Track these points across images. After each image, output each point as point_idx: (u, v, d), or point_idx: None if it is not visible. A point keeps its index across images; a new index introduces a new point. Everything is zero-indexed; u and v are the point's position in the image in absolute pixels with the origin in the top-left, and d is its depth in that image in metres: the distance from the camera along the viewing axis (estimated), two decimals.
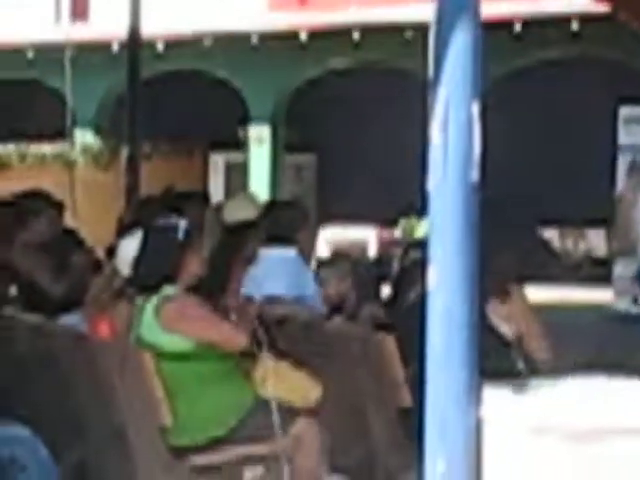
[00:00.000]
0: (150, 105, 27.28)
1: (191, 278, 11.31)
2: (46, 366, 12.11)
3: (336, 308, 13.46)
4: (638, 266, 10.82)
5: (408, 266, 13.14)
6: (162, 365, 10.69)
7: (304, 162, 41.71)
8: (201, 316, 11.01)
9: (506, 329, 10.64)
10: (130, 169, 23.67)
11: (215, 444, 10.75)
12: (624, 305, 14.87)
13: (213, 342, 10.94)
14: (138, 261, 11.55)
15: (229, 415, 10.87)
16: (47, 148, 33.94)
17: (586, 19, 32.10)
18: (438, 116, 7.02)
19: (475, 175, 7.29)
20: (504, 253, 10.67)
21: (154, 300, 10.77)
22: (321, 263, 15.79)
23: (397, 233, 26.31)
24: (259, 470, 11.04)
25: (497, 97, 28.64)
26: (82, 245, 15.19)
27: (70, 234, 15.77)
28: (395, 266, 14.87)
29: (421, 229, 16.52)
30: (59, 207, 16.36)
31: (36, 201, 15.87)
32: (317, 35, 39.88)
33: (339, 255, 17.84)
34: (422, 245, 10.28)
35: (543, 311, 14.09)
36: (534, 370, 10.51)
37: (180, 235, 11.65)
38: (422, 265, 8.28)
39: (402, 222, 25.01)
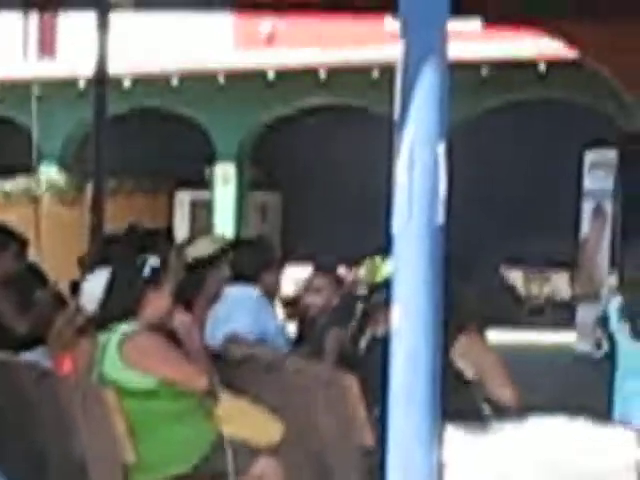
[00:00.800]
0: (116, 142, 27.31)
1: (156, 315, 11.28)
2: (10, 402, 12.22)
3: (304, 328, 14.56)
4: (601, 310, 11.16)
5: (370, 307, 12.81)
6: (125, 402, 10.70)
7: (269, 200, 42.39)
8: (163, 354, 11.05)
9: (465, 367, 10.48)
10: (95, 206, 23.53)
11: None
12: (586, 348, 15.01)
13: (174, 381, 10.97)
14: (105, 298, 11.54)
15: (192, 453, 10.89)
16: (13, 183, 33.96)
17: (554, 63, 32.28)
18: (404, 156, 7.10)
19: (441, 216, 7.38)
20: (467, 292, 10.54)
21: (116, 336, 10.78)
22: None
23: (361, 273, 26.49)
24: None
25: (464, 138, 28.75)
26: (45, 281, 15.99)
27: (34, 269, 16.36)
28: (358, 307, 14.81)
29: (385, 269, 16.51)
30: (23, 242, 16.56)
31: (0, 236, 15.93)
32: (284, 74, 40.09)
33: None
34: (386, 286, 10.21)
35: (506, 352, 14.15)
36: (496, 410, 10.45)
37: (146, 272, 11.65)
38: (386, 306, 8.40)
39: (367, 262, 25.17)
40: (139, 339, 10.85)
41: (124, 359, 10.70)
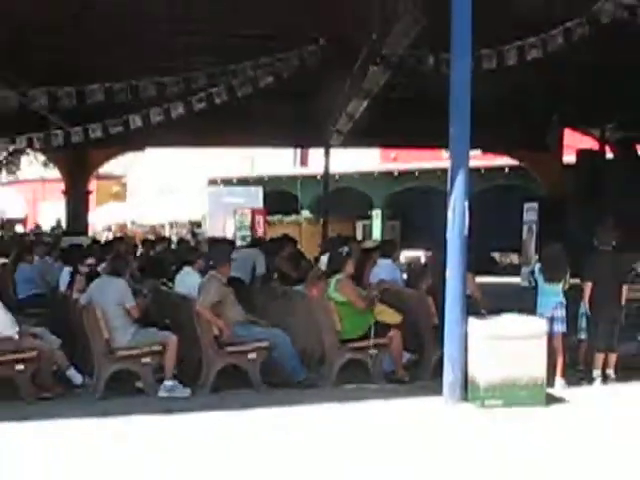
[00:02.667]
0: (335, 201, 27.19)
1: (349, 272, 11.86)
2: (291, 308, 12.97)
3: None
4: (531, 268, 11.53)
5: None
6: (336, 306, 11.47)
7: (395, 224, 38.70)
8: (351, 289, 11.71)
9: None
10: (324, 226, 24.42)
11: (360, 339, 11.38)
12: (525, 284, 14.88)
13: (354, 300, 11.52)
14: (328, 264, 12.53)
15: (364, 327, 11.42)
16: (291, 218, 34.05)
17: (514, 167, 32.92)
18: (450, 206, 9.10)
19: (466, 231, 9.17)
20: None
21: (334, 280, 11.67)
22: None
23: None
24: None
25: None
26: (304, 257, 16.75)
27: (299, 252, 16.95)
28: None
29: None
30: (295, 242, 17.29)
31: (288, 238, 16.63)
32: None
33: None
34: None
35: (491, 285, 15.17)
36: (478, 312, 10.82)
37: (344, 252, 13.01)
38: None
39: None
40: (343, 281, 11.68)
41: (337, 289, 11.59)
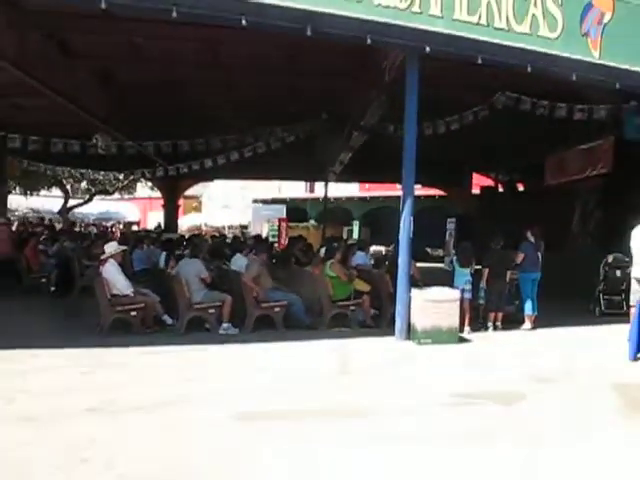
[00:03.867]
0: (330, 214, 26.83)
1: (338, 258, 11.65)
2: (302, 280, 12.52)
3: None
4: (450, 258, 11.56)
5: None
6: (330, 280, 11.39)
7: (367, 230, 35.48)
8: (339, 269, 11.44)
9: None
10: (323, 230, 23.60)
11: (344, 300, 11.28)
12: (447, 268, 14.57)
13: (340, 276, 11.37)
14: (325, 253, 12.54)
15: (346, 293, 11.35)
16: (303, 225, 33.45)
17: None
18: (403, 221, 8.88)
19: (410, 235, 9.04)
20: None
21: (329, 263, 11.56)
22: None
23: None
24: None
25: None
26: (312, 248, 15.88)
27: (308, 246, 16.02)
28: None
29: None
30: (305, 239, 16.87)
31: (301, 237, 16.43)
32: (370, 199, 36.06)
33: None
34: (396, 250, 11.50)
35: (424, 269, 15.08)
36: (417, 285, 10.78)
37: (335, 246, 12.70)
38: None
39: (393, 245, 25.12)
40: (334, 264, 11.45)
41: (330, 268, 11.42)
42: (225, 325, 10.64)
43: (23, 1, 10.64)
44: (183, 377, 7.72)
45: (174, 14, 8.52)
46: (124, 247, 11.95)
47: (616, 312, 12.54)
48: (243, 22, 8.72)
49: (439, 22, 9.68)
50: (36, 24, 11.57)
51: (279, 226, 30.61)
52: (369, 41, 9.44)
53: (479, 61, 10.05)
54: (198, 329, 10.70)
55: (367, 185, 36.27)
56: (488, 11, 9.97)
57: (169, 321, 11.01)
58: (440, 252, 30.09)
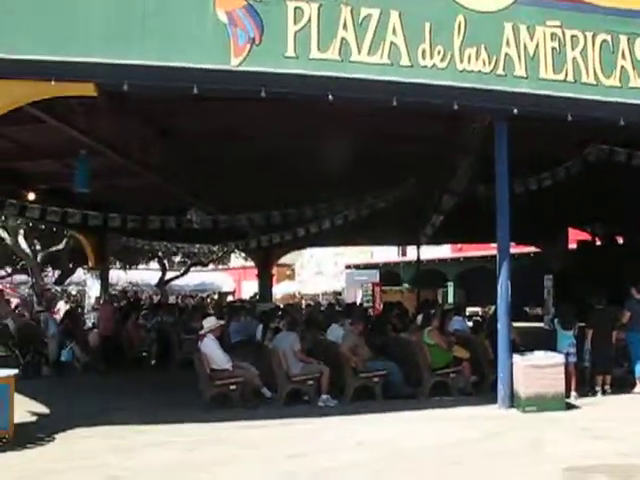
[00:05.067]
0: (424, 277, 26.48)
1: (435, 324, 11.69)
2: (400, 348, 12.46)
3: None
4: (550, 316, 10.98)
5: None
6: (428, 348, 11.32)
7: (462, 291, 35.07)
8: (438, 336, 11.40)
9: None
10: (417, 293, 23.14)
11: (443, 368, 11.13)
12: (546, 327, 13.59)
13: (439, 344, 11.33)
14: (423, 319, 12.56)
15: (446, 360, 11.20)
16: (395, 288, 33.65)
17: None
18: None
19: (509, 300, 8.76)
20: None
21: (426, 330, 11.47)
22: None
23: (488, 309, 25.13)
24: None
25: None
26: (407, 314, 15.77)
27: (405, 312, 16.12)
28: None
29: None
30: (401, 305, 16.61)
31: (397, 304, 16.07)
32: None
33: None
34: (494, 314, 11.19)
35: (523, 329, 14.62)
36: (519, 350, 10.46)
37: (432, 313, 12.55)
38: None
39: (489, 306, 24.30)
40: (432, 331, 11.41)
41: (429, 336, 11.33)
42: (324, 397, 10.57)
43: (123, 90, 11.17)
44: (285, 454, 7.62)
45: (263, 94, 8.84)
46: (222, 322, 12.15)
47: None
48: (330, 97, 8.97)
49: (524, 83, 9.67)
50: (135, 110, 12.08)
51: (373, 291, 30.54)
52: (456, 107, 9.50)
53: (569, 118, 9.92)
54: (297, 401, 10.68)
55: (460, 245, 35.85)
56: (575, 67, 9.89)
57: (268, 394, 11.00)
58: (539, 310, 29.21)
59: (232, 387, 10.42)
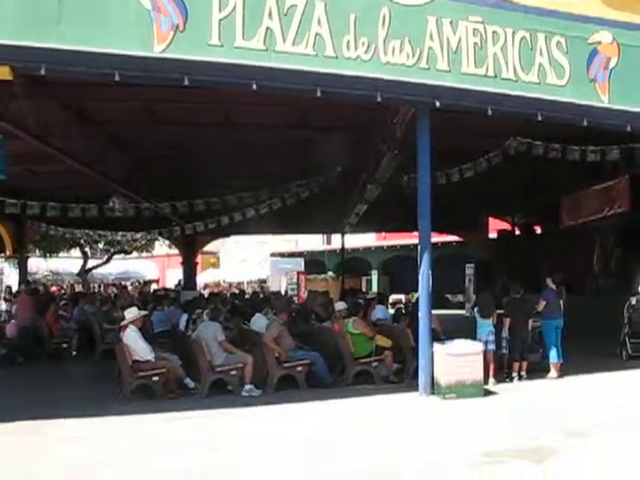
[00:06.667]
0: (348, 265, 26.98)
1: (361, 315, 12.04)
2: (323, 337, 12.62)
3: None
4: (471, 304, 11.24)
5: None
6: (352, 336, 11.42)
7: (386, 278, 36.78)
8: (363, 325, 11.60)
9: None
10: (342, 281, 23.34)
11: (366, 357, 11.21)
12: (467, 314, 13.38)
13: (364, 332, 11.46)
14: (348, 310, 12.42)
15: (368, 349, 11.24)
16: (321, 276, 33.89)
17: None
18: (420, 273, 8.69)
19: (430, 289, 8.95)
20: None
21: (351, 320, 11.61)
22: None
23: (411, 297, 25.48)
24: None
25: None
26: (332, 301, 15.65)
27: (330, 299, 15.98)
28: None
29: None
30: (327, 294, 16.94)
31: (322, 293, 16.07)
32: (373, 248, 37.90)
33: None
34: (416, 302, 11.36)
35: (445, 316, 14.96)
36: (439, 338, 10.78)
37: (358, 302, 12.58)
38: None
39: (412, 294, 24.57)
40: (357, 321, 11.56)
41: (354, 325, 11.43)
42: (248, 387, 10.52)
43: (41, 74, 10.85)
44: (209, 445, 7.52)
45: (186, 82, 8.70)
46: (144, 312, 11.94)
47: None
48: (254, 86, 8.88)
49: (447, 76, 9.80)
50: (53, 95, 11.77)
51: (298, 279, 30.63)
52: (379, 98, 9.58)
53: (489, 112, 10.14)
54: (221, 391, 10.58)
55: (384, 234, 36.30)
56: (495, 62, 10.10)
57: (191, 385, 10.89)
58: (460, 298, 29.92)
59: (154, 378, 10.27)
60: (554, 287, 11.87)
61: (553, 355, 11.53)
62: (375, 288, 34.33)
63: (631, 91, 10.89)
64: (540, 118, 10.41)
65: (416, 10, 9.67)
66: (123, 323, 10.82)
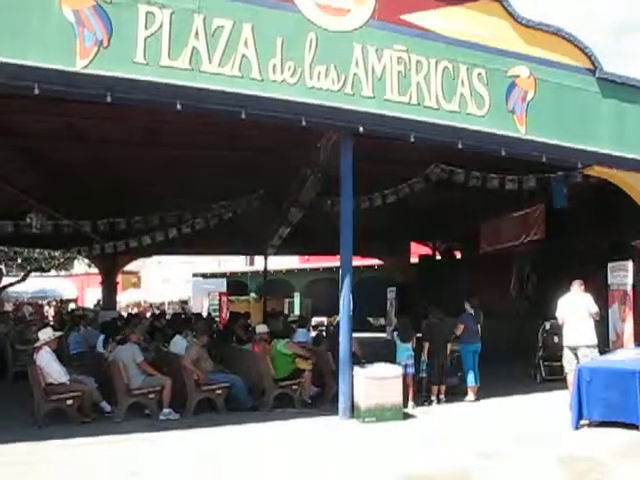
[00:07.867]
0: (271, 287, 26.85)
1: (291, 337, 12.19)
2: (243, 359, 12.36)
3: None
4: (393, 327, 11.33)
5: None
6: (279, 357, 11.44)
7: (308, 301, 35.83)
8: (296, 347, 11.64)
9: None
10: (264, 303, 23.31)
11: (286, 379, 11.10)
12: (388, 338, 13.73)
13: (298, 354, 11.46)
14: (270, 331, 12.33)
15: (290, 370, 11.26)
16: (243, 298, 33.85)
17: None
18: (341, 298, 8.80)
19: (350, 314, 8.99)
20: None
21: (282, 342, 11.59)
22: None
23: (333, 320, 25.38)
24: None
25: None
26: (250, 326, 15.26)
27: (248, 323, 15.97)
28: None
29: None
30: (247, 315, 16.65)
31: (242, 315, 16.06)
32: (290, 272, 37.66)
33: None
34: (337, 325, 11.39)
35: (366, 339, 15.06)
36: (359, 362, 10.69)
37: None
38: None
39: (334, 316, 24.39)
40: (290, 343, 11.66)
41: (285, 347, 11.43)
42: (166, 411, 10.32)
43: None
44: (125, 472, 7.30)
45: (108, 99, 8.54)
46: (59, 333, 11.59)
47: (557, 378, 12.60)
48: (178, 106, 8.81)
49: (371, 102, 10.02)
50: None
51: (220, 300, 30.35)
52: (304, 122, 9.65)
53: (412, 139, 10.36)
54: (138, 415, 10.33)
55: (307, 257, 36.36)
56: (418, 91, 10.41)
57: (107, 408, 10.61)
58: (382, 321, 30.12)
59: (69, 402, 9.95)
60: (472, 311, 12.09)
61: (470, 379, 11.75)
62: (298, 310, 34.27)
63: (546, 124, 11.42)
64: (461, 146, 10.73)
65: (343, 37, 9.89)
66: (37, 344, 10.42)
